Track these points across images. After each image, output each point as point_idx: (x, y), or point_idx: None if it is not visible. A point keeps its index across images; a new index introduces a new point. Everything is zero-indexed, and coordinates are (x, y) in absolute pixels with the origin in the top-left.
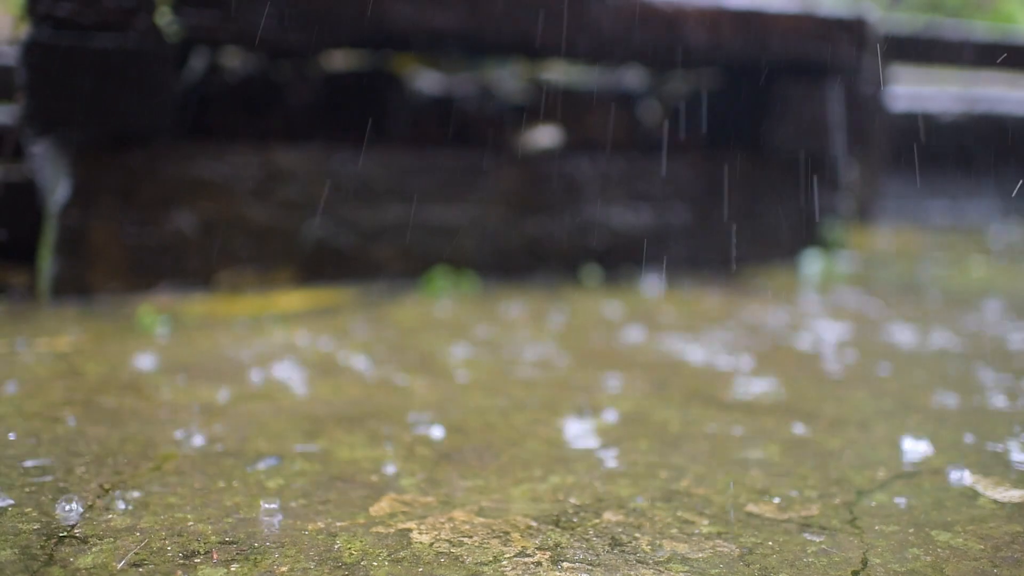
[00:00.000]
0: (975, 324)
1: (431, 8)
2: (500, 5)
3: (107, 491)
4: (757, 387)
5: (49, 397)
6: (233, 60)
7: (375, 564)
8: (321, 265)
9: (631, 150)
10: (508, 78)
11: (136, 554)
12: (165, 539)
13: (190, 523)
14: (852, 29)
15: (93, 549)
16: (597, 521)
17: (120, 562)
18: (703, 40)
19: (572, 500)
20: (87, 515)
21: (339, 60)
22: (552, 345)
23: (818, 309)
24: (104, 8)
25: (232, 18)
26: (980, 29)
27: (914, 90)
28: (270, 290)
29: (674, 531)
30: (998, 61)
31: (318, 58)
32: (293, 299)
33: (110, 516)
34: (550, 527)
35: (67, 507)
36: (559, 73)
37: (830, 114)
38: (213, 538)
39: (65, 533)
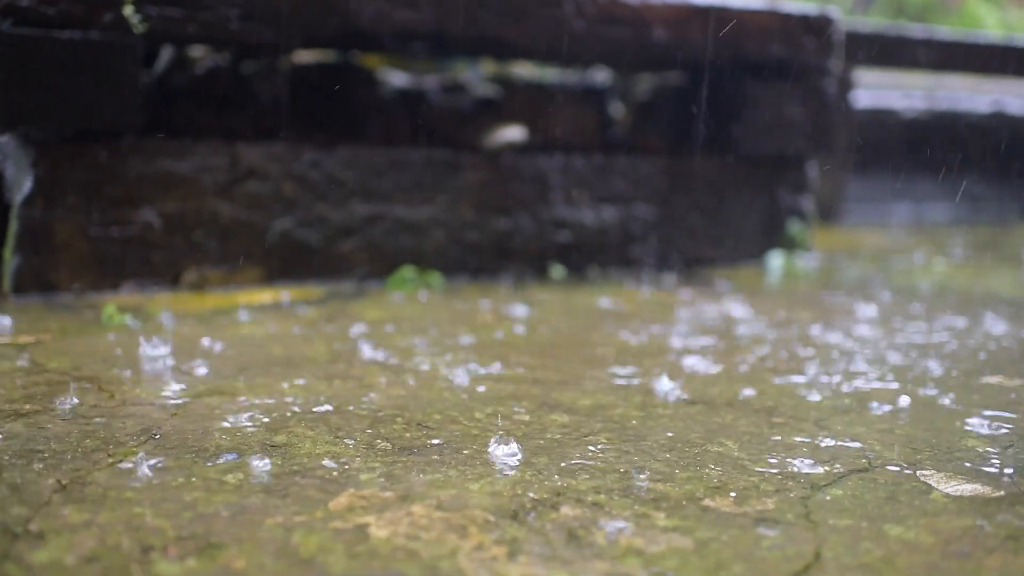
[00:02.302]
0: (931, 319)
1: (398, 6)
2: (466, 3)
3: (64, 487)
4: (711, 374)
5: (9, 392)
6: (200, 56)
7: (332, 558)
8: (288, 263)
9: (599, 149)
10: (477, 78)
11: (92, 549)
12: (122, 534)
13: (147, 518)
14: (818, 27)
15: (49, 545)
16: (555, 515)
17: (75, 558)
18: (669, 37)
19: (531, 495)
20: (44, 511)
21: (308, 56)
22: (516, 342)
23: (777, 306)
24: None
25: (194, 14)
26: (944, 31)
27: (878, 92)
28: (237, 288)
29: (631, 525)
30: (963, 62)
31: (285, 56)
32: (260, 296)
33: (67, 512)
34: (508, 521)
35: (23, 503)
36: (528, 72)
37: (795, 114)
38: (170, 533)
39: (21, 529)
